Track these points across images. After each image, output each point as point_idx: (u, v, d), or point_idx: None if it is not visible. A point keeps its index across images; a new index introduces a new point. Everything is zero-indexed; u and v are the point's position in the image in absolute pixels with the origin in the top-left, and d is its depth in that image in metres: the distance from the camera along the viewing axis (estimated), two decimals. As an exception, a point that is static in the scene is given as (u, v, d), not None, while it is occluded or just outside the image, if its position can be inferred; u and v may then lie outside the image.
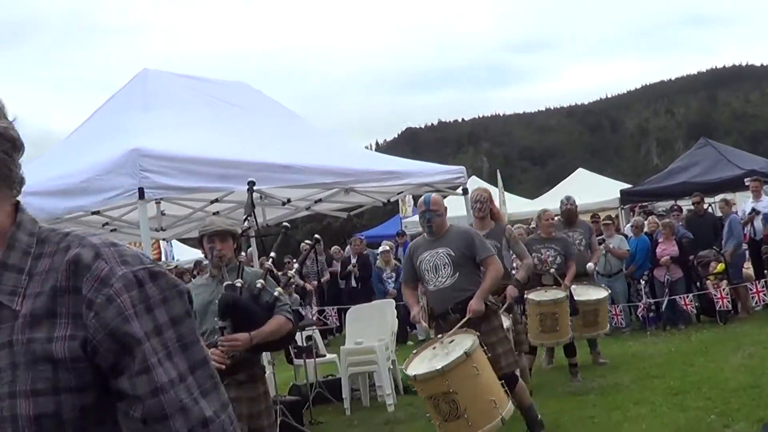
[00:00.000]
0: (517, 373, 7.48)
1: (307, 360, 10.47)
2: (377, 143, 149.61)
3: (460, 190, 9.90)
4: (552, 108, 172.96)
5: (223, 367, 5.08)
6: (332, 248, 20.41)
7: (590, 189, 22.74)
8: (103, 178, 6.95)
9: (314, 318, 15.92)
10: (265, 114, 9.56)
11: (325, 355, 11.31)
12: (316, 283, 17.69)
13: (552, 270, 9.92)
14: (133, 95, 8.81)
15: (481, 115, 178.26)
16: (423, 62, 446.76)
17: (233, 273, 5.46)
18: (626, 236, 14.78)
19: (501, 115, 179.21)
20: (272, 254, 5.78)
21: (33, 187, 7.51)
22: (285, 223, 5.95)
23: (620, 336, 12.99)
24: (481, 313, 6.77)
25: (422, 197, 7.30)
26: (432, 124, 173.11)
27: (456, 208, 10.55)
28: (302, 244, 18.59)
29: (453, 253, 6.96)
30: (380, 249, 17.06)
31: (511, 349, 7.20)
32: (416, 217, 23.10)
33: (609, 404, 8.71)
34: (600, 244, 12.95)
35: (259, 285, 5.41)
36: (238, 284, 5.34)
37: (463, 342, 6.48)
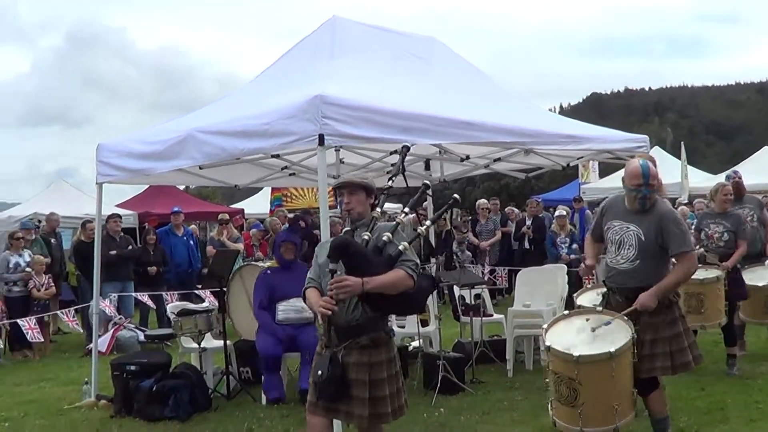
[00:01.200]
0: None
1: (473, 318, 10.46)
2: (561, 106, 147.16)
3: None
4: (742, 83, 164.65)
5: (330, 312, 4.94)
6: (506, 208, 20.29)
7: (776, 168, 21.94)
8: (285, 123, 7.07)
9: (485, 277, 15.95)
10: (451, 70, 9.50)
11: (492, 315, 11.29)
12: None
13: (721, 245, 9.32)
14: (320, 42, 8.90)
15: (668, 86, 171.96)
16: (613, 27, 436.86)
17: (365, 227, 5.23)
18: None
19: (689, 86, 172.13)
20: (406, 209, 5.65)
21: (216, 127, 7.76)
22: (425, 181, 5.76)
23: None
24: (650, 309, 6.15)
25: (634, 165, 6.27)
26: (618, 90, 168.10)
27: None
28: (479, 201, 18.73)
29: (643, 238, 6.19)
30: (556, 213, 16.76)
31: (669, 352, 6.23)
32: (596, 183, 22.49)
33: (776, 391, 8.36)
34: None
35: (385, 238, 5.13)
36: (365, 237, 5.11)
37: (616, 334, 6.04)
